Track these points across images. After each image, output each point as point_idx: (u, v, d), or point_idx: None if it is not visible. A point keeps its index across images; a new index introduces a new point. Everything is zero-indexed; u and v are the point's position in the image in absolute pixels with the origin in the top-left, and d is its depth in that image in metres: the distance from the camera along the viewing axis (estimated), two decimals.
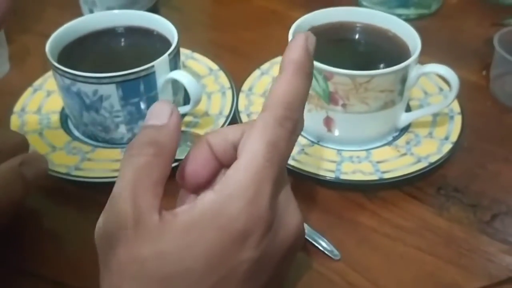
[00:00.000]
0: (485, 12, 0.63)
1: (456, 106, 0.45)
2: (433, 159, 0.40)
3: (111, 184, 0.39)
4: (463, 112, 0.44)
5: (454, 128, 0.43)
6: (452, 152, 0.41)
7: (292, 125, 0.26)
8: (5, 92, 0.51)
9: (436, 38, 0.58)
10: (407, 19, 0.60)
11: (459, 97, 0.42)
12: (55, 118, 0.45)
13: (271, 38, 0.58)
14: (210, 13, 0.66)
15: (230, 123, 0.44)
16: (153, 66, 0.39)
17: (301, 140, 0.43)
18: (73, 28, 0.44)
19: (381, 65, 0.41)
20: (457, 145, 0.42)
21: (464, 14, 0.63)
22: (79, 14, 0.60)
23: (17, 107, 0.46)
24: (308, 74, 0.27)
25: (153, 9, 0.62)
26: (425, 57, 0.41)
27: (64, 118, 0.45)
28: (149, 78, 0.40)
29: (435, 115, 0.44)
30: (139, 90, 0.40)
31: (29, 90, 0.48)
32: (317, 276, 0.35)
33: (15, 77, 0.54)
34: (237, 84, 0.48)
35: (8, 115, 0.45)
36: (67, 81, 0.39)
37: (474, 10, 0.64)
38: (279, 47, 0.50)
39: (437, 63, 0.41)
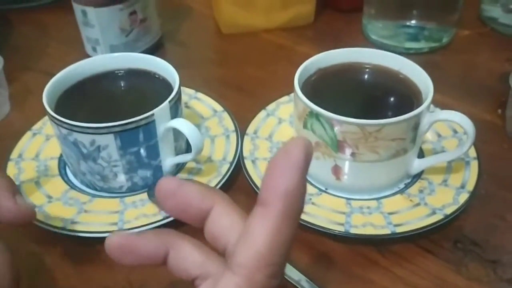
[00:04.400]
0: (499, 45, 0.61)
1: (471, 151, 0.42)
2: (449, 210, 0.38)
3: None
4: (479, 157, 0.42)
5: (470, 175, 0.41)
6: (468, 202, 0.39)
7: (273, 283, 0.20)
8: (4, 136, 0.49)
9: (448, 73, 0.57)
10: (418, 53, 0.59)
11: (475, 140, 0.40)
12: (53, 164, 0.44)
13: (277, 75, 0.57)
14: (215, 48, 0.65)
15: (234, 170, 0.42)
16: (153, 114, 0.38)
17: (308, 188, 0.41)
18: (72, 72, 0.43)
19: (392, 111, 0.39)
20: (474, 194, 0.39)
21: (476, 47, 0.61)
22: (83, 51, 0.59)
23: (14, 154, 0.44)
24: (301, 210, 0.20)
25: (157, 45, 0.61)
26: (437, 94, 0.39)
27: (62, 164, 0.44)
28: (149, 127, 0.38)
29: (450, 161, 0.42)
30: (139, 139, 0.38)
31: (28, 134, 0.47)
32: None
33: (15, 119, 0.53)
34: (241, 126, 0.46)
35: (6, 161, 0.44)
36: (64, 131, 0.38)
37: (487, 42, 0.62)
38: (286, 85, 0.49)
39: (449, 99, 0.39)
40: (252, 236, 0.20)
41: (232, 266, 0.20)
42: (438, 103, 0.45)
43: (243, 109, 0.49)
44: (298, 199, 0.20)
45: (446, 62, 0.59)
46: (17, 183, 0.41)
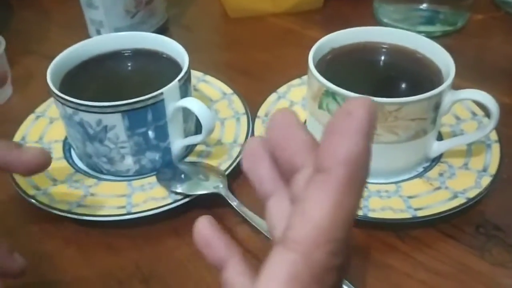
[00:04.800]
0: None
1: (492, 134, 0.41)
2: (472, 194, 0.36)
3: (115, 223, 0.37)
4: (500, 140, 0.40)
5: (492, 159, 0.39)
6: (491, 186, 0.37)
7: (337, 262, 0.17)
8: (6, 119, 0.48)
9: (463, 57, 0.54)
10: (432, 37, 0.57)
11: None
12: (58, 147, 0.42)
13: (286, 59, 0.55)
14: (222, 32, 0.63)
15: None
16: (162, 93, 0.36)
17: None
18: (77, 51, 0.41)
19: (411, 90, 0.37)
20: (496, 177, 0.38)
21: (490, 30, 0.60)
22: (86, 35, 0.58)
23: (17, 136, 0.43)
24: (365, 179, 0.18)
25: (163, 29, 0.59)
26: (453, 77, 0.37)
27: (67, 147, 0.42)
28: (158, 106, 0.36)
29: (470, 143, 0.40)
30: (147, 120, 0.37)
31: (31, 117, 0.45)
32: None
33: (17, 103, 0.51)
34: (252, 108, 0.45)
35: None
36: (69, 110, 0.36)
37: (501, 26, 0.60)
38: (295, 69, 0.48)
39: (465, 83, 0.37)
40: (309, 208, 0.17)
41: (286, 242, 0.17)
42: (455, 87, 0.44)
43: (251, 93, 0.47)
44: (362, 166, 0.17)
45: (460, 46, 0.57)
46: None
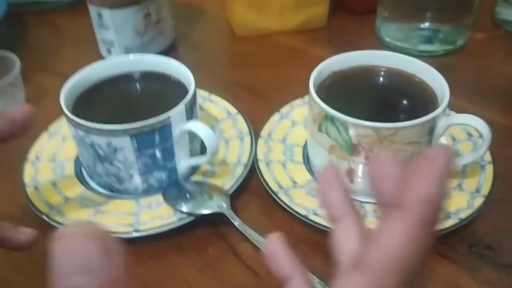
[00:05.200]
0: None
1: (487, 155, 0.42)
2: (464, 215, 0.38)
3: (123, 241, 0.38)
4: (494, 161, 0.42)
5: (485, 180, 0.40)
6: (483, 207, 0.39)
7: None
8: (21, 135, 0.50)
9: (462, 76, 0.56)
10: (432, 56, 0.59)
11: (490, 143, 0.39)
12: (70, 166, 0.44)
13: (290, 77, 0.57)
14: (228, 51, 0.65)
15: (249, 171, 0.43)
16: (169, 117, 0.38)
17: None
18: (89, 74, 0.43)
19: (407, 114, 0.39)
20: (489, 198, 0.39)
21: (491, 50, 0.61)
22: (97, 53, 0.60)
23: (31, 155, 0.45)
24: (439, 219, 0.20)
25: (171, 47, 0.62)
26: (452, 97, 0.38)
27: (78, 166, 0.44)
28: (165, 129, 0.38)
29: (465, 165, 0.42)
30: (154, 142, 0.39)
31: (45, 135, 0.47)
32: None
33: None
34: (255, 128, 0.47)
35: (23, 161, 0.44)
36: (81, 132, 0.38)
37: (501, 45, 0.62)
38: (298, 87, 0.49)
39: (463, 102, 0.38)
40: (386, 239, 0.19)
41: (361, 266, 0.19)
42: (453, 106, 0.45)
43: (256, 111, 0.49)
44: (438, 207, 0.19)
45: (460, 65, 0.59)
46: (34, 184, 0.42)
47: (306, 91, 0.42)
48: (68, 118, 0.39)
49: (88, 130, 0.38)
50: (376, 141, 0.37)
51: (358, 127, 0.37)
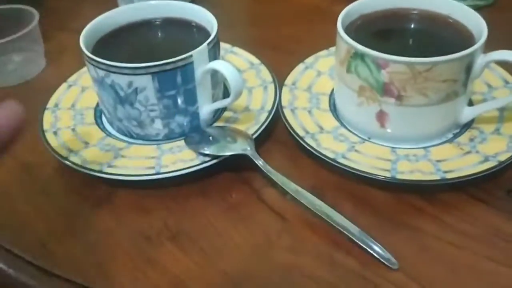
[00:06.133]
0: None
1: None
2: (503, 157, 0.36)
3: (144, 183, 0.37)
4: None
5: None
6: None
7: None
8: (40, 89, 0.49)
9: (495, 31, 0.53)
10: None
11: None
12: (89, 114, 0.43)
13: (314, 34, 0.55)
14: (251, 10, 0.63)
15: (273, 119, 0.41)
16: (191, 56, 0.37)
17: (350, 137, 0.39)
18: (109, 19, 0.42)
19: (443, 54, 0.37)
20: None
21: None
22: None
23: (50, 103, 0.44)
24: None
25: None
26: (486, 50, 0.36)
27: (98, 114, 0.43)
28: (187, 69, 0.37)
29: (502, 109, 0.39)
30: (176, 82, 0.37)
31: (64, 85, 0.46)
32: None
33: (50, 74, 0.52)
34: (279, 79, 0.45)
35: (42, 111, 0.43)
36: (101, 73, 0.37)
37: None
38: (323, 42, 0.47)
39: None
40: None
41: None
42: None
43: (280, 65, 0.47)
44: None
45: (492, 21, 0.55)
46: (53, 130, 0.41)
47: (330, 45, 0.40)
48: (87, 58, 0.38)
49: (108, 69, 0.36)
50: (410, 79, 0.35)
51: (390, 63, 0.35)
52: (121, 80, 0.37)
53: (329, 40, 0.40)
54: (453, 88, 0.36)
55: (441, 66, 0.34)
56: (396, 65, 0.34)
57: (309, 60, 0.47)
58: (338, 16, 0.40)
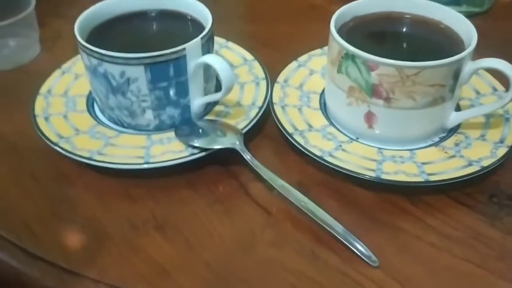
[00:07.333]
0: None
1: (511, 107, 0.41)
2: (486, 163, 0.36)
3: (133, 172, 0.38)
4: None
5: (509, 131, 0.39)
6: (507, 156, 0.37)
7: None
8: (34, 74, 0.49)
9: (488, 38, 0.54)
10: None
11: None
12: (82, 101, 0.43)
13: (309, 32, 0.56)
14: (247, 5, 0.64)
15: (263, 115, 0.41)
16: (184, 49, 0.37)
17: (339, 136, 0.40)
18: (104, 9, 0.42)
19: (431, 58, 0.37)
20: None
21: None
22: None
23: (43, 89, 0.44)
24: None
25: None
26: (477, 57, 0.37)
27: (90, 102, 0.43)
28: (180, 61, 0.37)
29: (488, 116, 0.40)
30: (169, 74, 0.38)
31: (58, 72, 0.46)
32: (351, 284, 0.31)
33: (44, 60, 0.53)
34: (272, 76, 0.45)
35: (35, 96, 0.44)
36: (94, 61, 0.37)
37: None
38: (317, 41, 0.48)
39: None
40: None
41: None
42: None
43: (273, 62, 0.48)
44: None
45: (486, 28, 0.56)
46: (45, 115, 0.41)
47: (324, 44, 0.41)
48: (81, 46, 0.38)
49: (101, 58, 0.37)
50: (398, 82, 0.35)
51: (380, 66, 0.35)
52: (114, 70, 0.37)
53: (324, 39, 0.40)
54: (441, 93, 0.36)
55: (429, 71, 0.35)
56: (385, 67, 0.35)
57: (302, 58, 0.48)
58: (333, 15, 0.41)
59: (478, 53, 0.37)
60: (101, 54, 0.37)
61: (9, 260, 0.33)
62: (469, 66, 0.37)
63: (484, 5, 0.58)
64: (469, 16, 0.57)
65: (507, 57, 0.50)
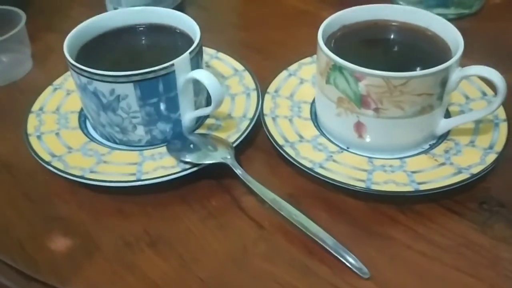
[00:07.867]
0: None
1: (501, 112, 0.41)
2: (476, 170, 0.36)
3: (126, 189, 0.38)
4: (509, 119, 0.40)
5: (499, 137, 0.39)
6: (496, 163, 0.37)
7: None
8: (26, 90, 0.50)
9: (477, 40, 0.54)
10: (446, 19, 0.57)
11: (504, 102, 0.38)
12: (74, 118, 0.43)
13: (300, 39, 0.56)
14: (239, 13, 0.64)
15: (254, 126, 0.42)
16: (173, 65, 0.37)
17: (329, 146, 0.40)
18: (93, 25, 0.43)
19: (419, 67, 0.37)
20: (502, 155, 0.38)
21: (508, 14, 0.59)
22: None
23: (35, 106, 0.45)
24: None
25: (179, 9, 0.60)
26: (466, 59, 0.37)
27: (82, 118, 0.44)
28: (169, 77, 0.38)
29: (478, 122, 0.40)
30: (158, 90, 0.38)
31: (49, 88, 0.47)
32: None
33: (37, 75, 0.53)
34: (263, 86, 0.46)
35: (27, 115, 0.44)
36: (84, 80, 0.38)
37: None
38: (308, 48, 0.48)
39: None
40: None
41: None
42: None
43: (264, 70, 0.48)
44: None
45: (475, 30, 0.57)
46: (37, 133, 0.41)
47: (314, 52, 0.41)
48: (71, 65, 0.38)
49: (91, 77, 0.37)
50: (386, 92, 0.36)
51: (367, 77, 0.35)
52: (104, 88, 0.37)
53: (314, 46, 0.40)
54: (429, 101, 0.36)
55: (416, 81, 0.35)
56: (373, 78, 0.35)
57: (292, 67, 0.48)
58: (323, 21, 0.41)
59: (468, 56, 0.37)
60: (90, 72, 0.37)
61: (3, 281, 0.33)
62: (456, 74, 0.37)
63: (473, 6, 0.58)
64: (459, 17, 0.58)
65: (496, 59, 0.51)
